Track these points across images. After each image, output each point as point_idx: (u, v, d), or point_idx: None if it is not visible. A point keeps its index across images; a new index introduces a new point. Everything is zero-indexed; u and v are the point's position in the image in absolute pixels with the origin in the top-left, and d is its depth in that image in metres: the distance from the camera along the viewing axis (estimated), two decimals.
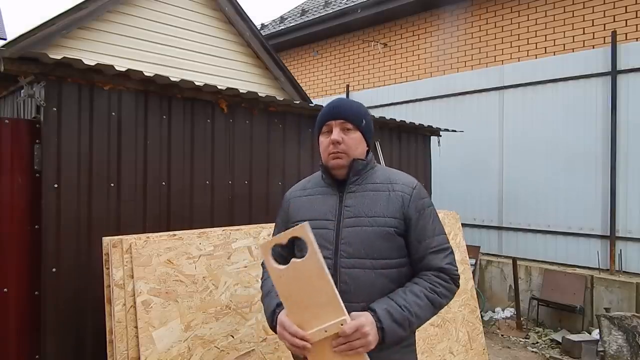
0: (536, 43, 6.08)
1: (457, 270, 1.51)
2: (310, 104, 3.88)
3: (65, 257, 2.47)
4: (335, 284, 1.31)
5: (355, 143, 1.55)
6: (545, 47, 5.98)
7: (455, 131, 5.69)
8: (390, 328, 1.35)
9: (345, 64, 8.50)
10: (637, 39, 5.27)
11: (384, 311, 1.36)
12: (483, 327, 3.96)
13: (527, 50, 6.16)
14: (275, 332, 1.43)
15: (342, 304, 1.28)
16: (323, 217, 1.52)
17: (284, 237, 1.30)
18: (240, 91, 3.25)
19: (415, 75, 7.43)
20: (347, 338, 1.28)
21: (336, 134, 1.52)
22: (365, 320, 1.31)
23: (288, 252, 1.57)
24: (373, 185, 1.55)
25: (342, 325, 1.27)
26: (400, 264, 1.50)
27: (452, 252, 1.53)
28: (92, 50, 5.22)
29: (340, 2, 8.20)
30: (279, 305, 1.43)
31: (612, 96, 5.36)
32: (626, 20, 5.35)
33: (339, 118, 1.54)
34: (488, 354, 3.95)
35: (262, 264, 1.69)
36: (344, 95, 8.25)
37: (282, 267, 1.29)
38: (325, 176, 1.60)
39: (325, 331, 1.28)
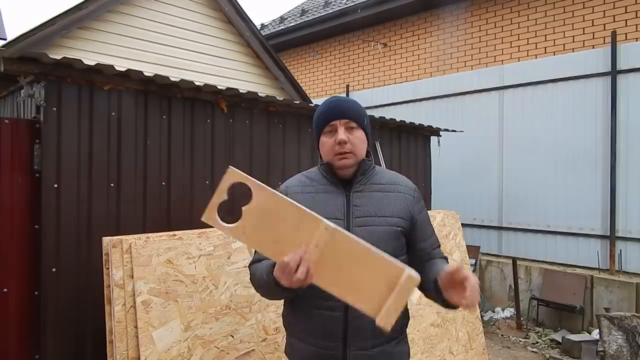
0: (536, 43, 6.08)
1: None
2: (310, 104, 3.88)
3: (65, 257, 2.47)
4: None
5: (360, 142, 1.55)
6: (545, 47, 5.98)
7: (455, 131, 5.69)
8: None
9: (345, 64, 8.50)
10: (637, 39, 5.27)
11: None
12: (483, 327, 3.96)
13: (527, 50, 6.16)
14: (280, 286, 1.28)
15: (315, 213, 1.16)
16: (332, 216, 1.48)
17: (221, 192, 1.17)
18: (240, 91, 3.25)
19: (415, 75, 7.43)
20: (473, 287, 1.21)
21: (342, 134, 1.51)
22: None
23: None
24: (379, 185, 1.57)
25: (326, 229, 1.13)
26: (404, 261, 1.53)
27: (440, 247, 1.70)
28: (92, 50, 5.22)
29: (340, 2, 8.20)
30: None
31: (612, 96, 5.36)
32: (626, 20, 5.36)
33: (343, 117, 1.52)
34: (488, 354, 3.95)
35: (249, 266, 1.65)
36: (344, 95, 8.25)
37: (237, 223, 1.17)
38: (329, 175, 1.58)
39: (317, 246, 1.15)
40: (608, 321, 4.24)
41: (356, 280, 1.16)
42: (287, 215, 1.16)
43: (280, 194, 1.17)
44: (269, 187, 1.16)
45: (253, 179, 1.15)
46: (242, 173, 1.14)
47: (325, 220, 1.15)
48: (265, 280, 1.38)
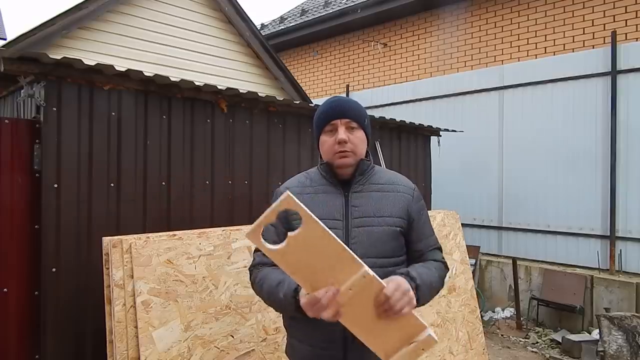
0: (536, 43, 6.08)
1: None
2: (310, 104, 3.89)
3: (65, 257, 2.47)
4: None
5: (360, 142, 1.56)
6: (545, 47, 5.98)
7: (455, 131, 5.69)
8: (424, 285, 1.39)
9: (345, 64, 8.50)
10: (637, 39, 5.27)
11: (415, 272, 1.40)
12: (483, 327, 3.96)
13: (527, 50, 6.16)
14: (298, 313, 1.31)
15: (357, 258, 1.18)
16: (331, 217, 1.49)
17: (271, 214, 1.15)
18: (240, 91, 3.25)
19: (415, 75, 7.43)
20: (390, 302, 1.19)
21: (342, 133, 1.51)
22: (400, 279, 1.26)
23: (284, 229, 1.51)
24: (377, 185, 1.57)
25: (364, 277, 1.16)
26: (403, 261, 1.57)
27: (441, 249, 1.69)
28: (92, 50, 5.22)
29: (340, 2, 8.20)
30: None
31: (612, 96, 5.36)
32: (626, 20, 5.36)
33: (344, 117, 1.53)
34: (488, 354, 3.95)
35: (250, 269, 1.61)
36: (344, 95, 8.25)
37: (279, 246, 1.16)
38: (329, 175, 1.58)
39: (350, 289, 1.17)
40: (608, 321, 4.24)
41: (379, 326, 1.22)
42: (331, 251, 1.17)
43: (329, 230, 1.16)
44: (319, 220, 1.16)
45: (306, 208, 1.15)
46: (298, 201, 1.14)
47: (366, 267, 1.18)
48: (282, 300, 1.37)
